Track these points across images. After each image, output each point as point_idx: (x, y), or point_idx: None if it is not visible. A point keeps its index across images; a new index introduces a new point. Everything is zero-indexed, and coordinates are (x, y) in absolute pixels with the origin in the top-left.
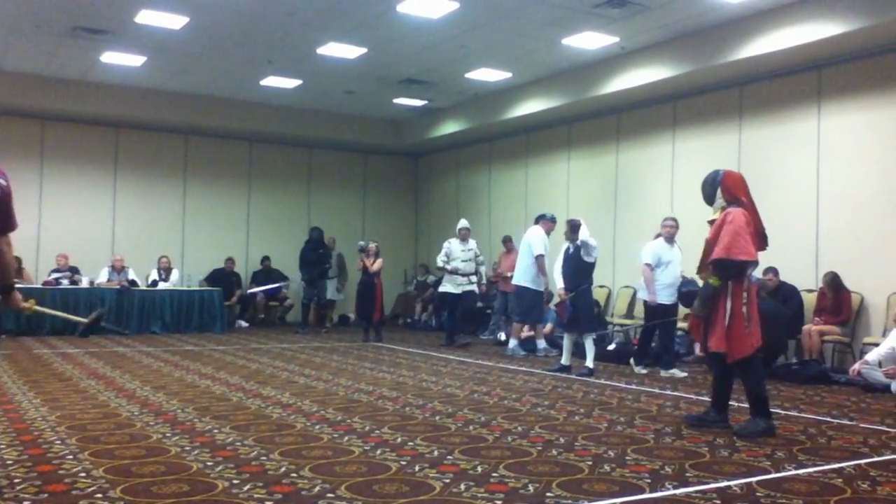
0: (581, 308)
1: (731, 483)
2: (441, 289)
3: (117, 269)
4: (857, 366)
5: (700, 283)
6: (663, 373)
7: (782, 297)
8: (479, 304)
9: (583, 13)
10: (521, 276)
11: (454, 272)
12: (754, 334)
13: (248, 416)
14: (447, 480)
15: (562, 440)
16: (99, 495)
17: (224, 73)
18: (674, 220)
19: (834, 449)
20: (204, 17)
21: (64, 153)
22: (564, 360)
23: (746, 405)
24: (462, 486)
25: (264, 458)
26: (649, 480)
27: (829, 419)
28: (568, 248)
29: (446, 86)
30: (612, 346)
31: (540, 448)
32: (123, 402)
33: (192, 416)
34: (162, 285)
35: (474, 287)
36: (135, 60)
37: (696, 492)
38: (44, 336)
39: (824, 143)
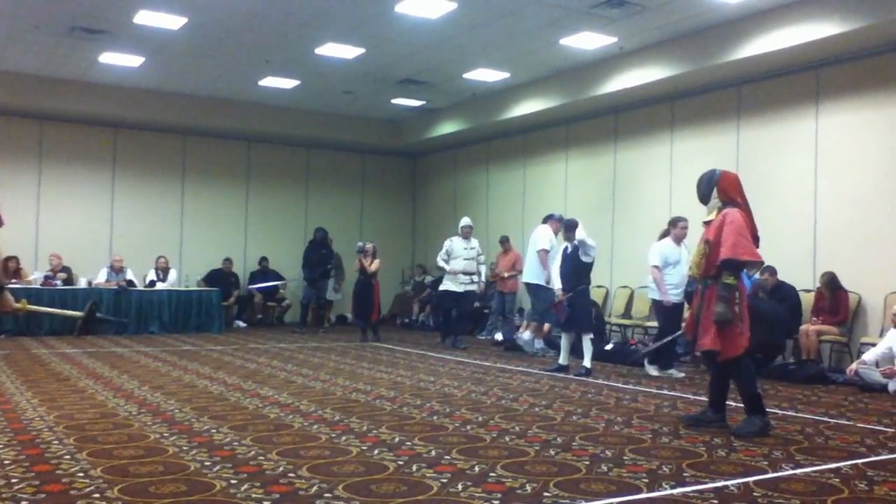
0: (579, 308)
1: (729, 483)
2: (442, 287)
3: (116, 269)
4: (854, 366)
5: (697, 283)
6: (661, 373)
7: (780, 296)
8: (477, 304)
9: (581, 13)
10: (533, 274)
11: (453, 272)
12: (745, 334)
13: (246, 415)
14: (445, 480)
15: (559, 440)
16: (97, 495)
17: (222, 74)
18: (687, 221)
19: (831, 449)
20: (202, 18)
21: (62, 153)
22: (562, 360)
23: (742, 405)
24: (459, 486)
25: (262, 457)
26: (646, 480)
27: (826, 419)
28: (566, 248)
29: (444, 86)
30: (609, 346)
31: (537, 448)
32: (121, 402)
33: (190, 415)
34: (160, 285)
35: (475, 287)
36: (133, 61)
37: (694, 492)
38: (42, 336)
39: (822, 143)
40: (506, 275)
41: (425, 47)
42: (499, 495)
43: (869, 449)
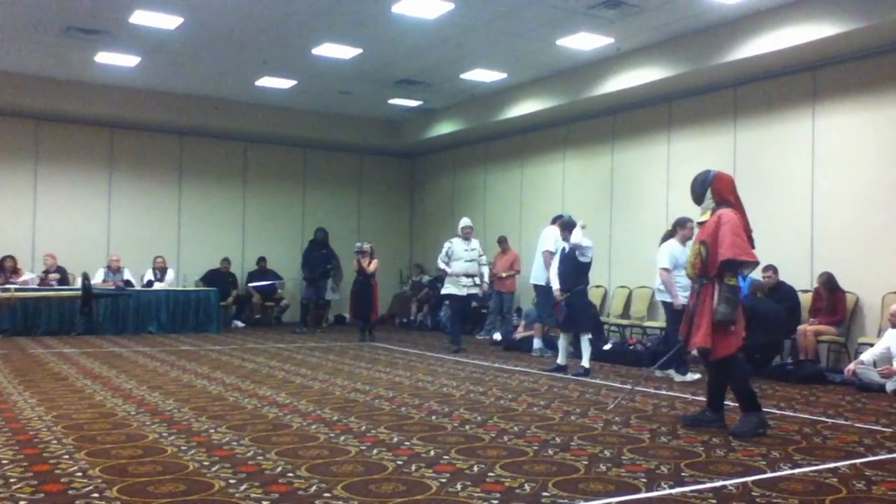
0: (577, 308)
1: (727, 483)
2: (444, 291)
3: (113, 269)
4: (852, 366)
5: (693, 282)
6: (659, 373)
7: (780, 296)
8: (474, 304)
9: (578, 14)
10: (542, 275)
11: (455, 275)
12: (738, 334)
13: (245, 415)
14: (443, 480)
15: (558, 440)
16: (95, 495)
17: (219, 74)
18: (693, 221)
19: (829, 448)
20: (198, 18)
21: (58, 153)
22: (560, 360)
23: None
24: (458, 486)
25: (261, 457)
26: (645, 480)
27: (824, 419)
28: (564, 249)
29: (442, 86)
30: (608, 346)
31: (536, 448)
32: (120, 402)
33: (189, 415)
34: (157, 285)
35: (478, 290)
36: (129, 61)
37: (692, 491)
38: (39, 336)
39: (819, 143)
40: (504, 275)
41: (423, 48)
42: (497, 495)
43: (867, 449)
